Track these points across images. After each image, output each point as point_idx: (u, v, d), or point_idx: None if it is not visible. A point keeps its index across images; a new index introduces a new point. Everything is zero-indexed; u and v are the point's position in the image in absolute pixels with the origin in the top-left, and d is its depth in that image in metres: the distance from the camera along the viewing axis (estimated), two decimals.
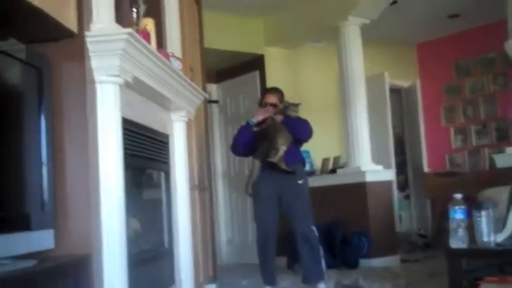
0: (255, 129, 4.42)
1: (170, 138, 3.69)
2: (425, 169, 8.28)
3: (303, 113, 4.53)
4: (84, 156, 2.43)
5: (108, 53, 2.44)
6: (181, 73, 3.43)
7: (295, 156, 4.44)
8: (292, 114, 4.39)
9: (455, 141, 8.13)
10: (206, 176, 4.67)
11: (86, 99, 2.43)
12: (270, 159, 4.26)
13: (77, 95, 2.44)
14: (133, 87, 2.80)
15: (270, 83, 6.50)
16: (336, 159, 6.76)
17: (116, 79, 2.50)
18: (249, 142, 4.44)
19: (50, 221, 2.27)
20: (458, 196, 3.02)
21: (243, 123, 4.58)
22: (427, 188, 7.76)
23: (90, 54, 2.43)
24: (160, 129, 3.48)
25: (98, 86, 2.47)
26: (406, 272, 5.33)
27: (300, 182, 4.39)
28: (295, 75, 7.17)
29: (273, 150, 4.25)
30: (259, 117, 4.41)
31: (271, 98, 4.52)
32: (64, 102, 2.43)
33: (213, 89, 7.51)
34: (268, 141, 4.29)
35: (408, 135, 8.67)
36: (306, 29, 6.90)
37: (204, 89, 4.65)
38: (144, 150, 3.16)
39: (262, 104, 4.57)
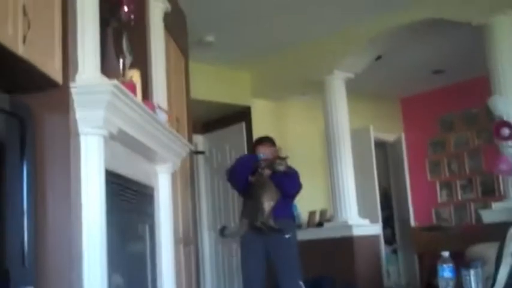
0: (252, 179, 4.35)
1: (155, 190, 3.62)
2: (412, 223, 8.23)
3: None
4: (66, 209, 2.37)
5: (93, 104, 2.41)
6: (166, 125, 3.41)
7: (284, 211, 4.37)
8: (280, 168, 4.34)
9: (441, 195, 8.13)
10: (192, 228, 4.59)
11: (69, 150, 2.39)
12: (256, 224, 4.22)
13: (60, 146, 2.39)
14: (118, 138, 2.76)
15: (256, 134, 6.45)
16: (323, 212, 6.70)
17: (101, 131, 2.46)
18: (247, 175, 4.38)
19: (31, 277, 2.18)
20: (446, 254, 2.99)
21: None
22: (414, 243, 7.69)
23: (75, 105, 2.40)
24: (145, 181, 3.42)
25: (82, 138, 2.44)
26: None
27: (287, 236, 4.32)
28: (281, 127, 7.17)
29: (259, 212, 4.20)
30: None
31: (263, 150, 4.48)
32: (47, 153, 2.38)
33: (199, 140, 7.49)
34: (254, 200, 4.24)
35: (394, 188, 8.65)
36: (292, 82, 6.94)
37: (190, 139, 4.63)
38: (128, 203, 3.10)
39: None
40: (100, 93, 2.41)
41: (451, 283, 2.97)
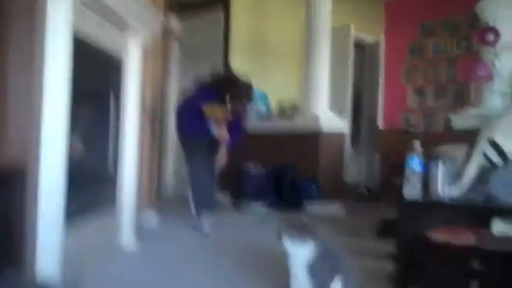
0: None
1: (124, 62, 3.52)
2: (380, 125, 8.28)
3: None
4: (29, 67, 2.31)
5: None
6: None
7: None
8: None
9: (413, 102, 8.14)
10: (159, 104, 4.52)
11: (35, 10, 2.29)
12: None
13: (26, 6, 2.28)
14: (86, 3, 2.64)
15: (234, 26, 6.37)
16: (294, 104, 6.64)
17: None
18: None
19: None
20: (417, 144, 2.91)
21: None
22: (379, 144, 7.77)
23: None
24: (114, 50, 3.32)
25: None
26: (349, 219, 5.34)
27: None
28: (260, 20, 6.97)
29: None
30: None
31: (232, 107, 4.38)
32: (12, 12, 2.28)
33: (176, 26, 7.28)
34: None
35: (367, 90, 8.62)
36: None
37: (165, 14, 4.45)
38: (95, 70, 3.00)
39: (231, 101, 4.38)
40: None
41: (418, 176, 2.90)
